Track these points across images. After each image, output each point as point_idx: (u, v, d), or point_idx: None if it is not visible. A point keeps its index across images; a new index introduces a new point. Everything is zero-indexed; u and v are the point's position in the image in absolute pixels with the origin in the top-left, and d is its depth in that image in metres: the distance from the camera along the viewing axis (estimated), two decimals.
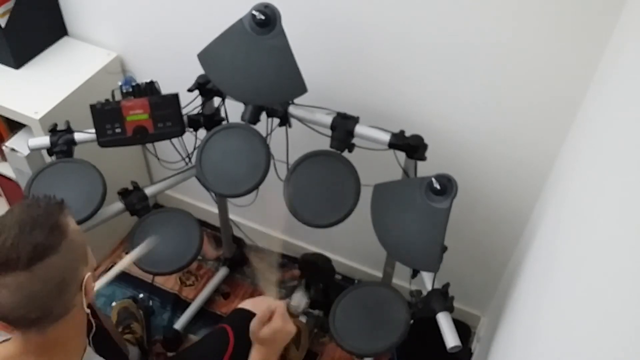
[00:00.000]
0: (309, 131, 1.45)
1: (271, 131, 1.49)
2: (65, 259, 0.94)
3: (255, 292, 2.07)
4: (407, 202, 1.32)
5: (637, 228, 0.66)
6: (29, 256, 0.89)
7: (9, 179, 1.93)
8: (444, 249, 1.32)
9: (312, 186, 1.44)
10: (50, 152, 1.51)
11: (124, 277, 2.08)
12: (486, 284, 1.81)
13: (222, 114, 1.57)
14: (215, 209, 1.95)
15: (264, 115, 1.47)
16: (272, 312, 1.17)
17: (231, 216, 1.96)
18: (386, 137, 1.38)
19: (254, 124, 1.45)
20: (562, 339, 0.83)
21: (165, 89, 1.49)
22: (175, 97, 1.47)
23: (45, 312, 0.94)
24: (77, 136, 1.51)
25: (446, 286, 1.39)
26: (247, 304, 1.57)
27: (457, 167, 1.41)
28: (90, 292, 1.00)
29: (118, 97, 1.46)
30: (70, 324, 0.99)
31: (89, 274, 0.99)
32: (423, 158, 1.38)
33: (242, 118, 1.45)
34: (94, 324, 1.08)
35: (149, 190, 1.58)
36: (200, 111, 1.57)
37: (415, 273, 1.45)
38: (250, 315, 1.53)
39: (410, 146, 1.37)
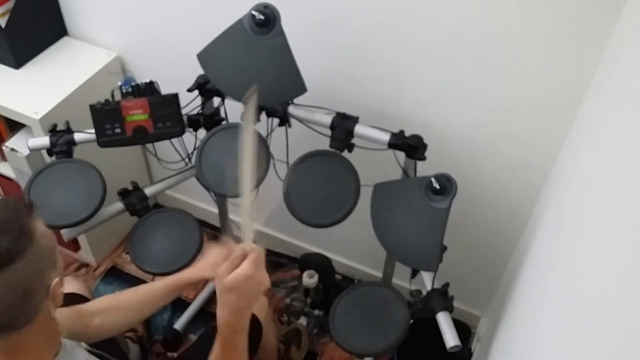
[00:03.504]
0: (309, 131, 1.45)
1: (271, 131, 1.50)
2: (32, 265, 0.90)
3: None
4: (406, 201, 1.32)
5: (638, 228, 0.66)
6: None
7: (9, 179, 1.93)
8: (444, 248, 1.32)
9: (312, 186, 1.44)
10: (50, 152, 1.51)
11: (124, 277, 2.08)
12: (486, 284, 1.81)
13: (222, 114, 1.57)
14: (215, 209, 1.95)
15: (263, 115, 1.47)
16: (244, 256, 0.97)
17: (231, 216, 1.96)
18: (386, 137, 1.38)
19: (254, 124, 1.45)
20: (562, 339, 0.83)
21: (165, 89, 1.49)
22: (175, 97, 1.47)
23: (10, 319, 0.90)
24: (77, 136, 1.51)
25: (446, 286, 1.38)
26: None
27: (456, 166, 1.41)
28: (58, 298, 0.96)
29: (118, 97, 1.47)
30: (38, 329, 0.95)
31: (56, 279, 0.95)
32: (423, 158, 1.38)
33: (242, 118, 1.45)
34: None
35: (149, 190, 1.58)
36: (200, 111, 1.57)
37: (415, 273, 1.45)
38: None
39: (410, 146, 1.37)
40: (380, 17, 1.39)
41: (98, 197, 1.45)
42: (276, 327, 1.75)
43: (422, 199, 1.29)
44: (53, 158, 1.51)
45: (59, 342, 1.03)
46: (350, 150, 1.43)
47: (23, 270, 0.89)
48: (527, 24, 1.24)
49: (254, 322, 1.51)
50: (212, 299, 2.03)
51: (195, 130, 1.57)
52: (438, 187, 1.26)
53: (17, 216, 0.91)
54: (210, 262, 1.26)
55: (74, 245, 2.08)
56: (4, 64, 1.79)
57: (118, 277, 2.09)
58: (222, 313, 0.99)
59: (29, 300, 0.91)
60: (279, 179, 1.49)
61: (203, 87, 1.52)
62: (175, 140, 1.57)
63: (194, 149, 1.56)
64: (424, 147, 1.38)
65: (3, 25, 1.67)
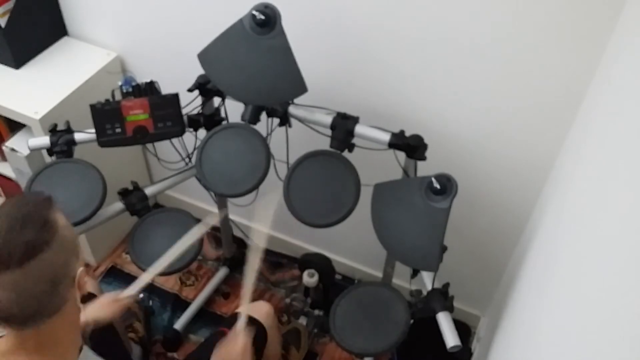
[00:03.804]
0: (309, 131, 1.45)
1: (271, 131, 1.50)
2: (57, 255, 0.93)
3: (255, 293, 2.07)
4: (407, 201, 1.32)
5: (638, 227, 0.66)
6: (21, 254, 0.89)
7: (9, 179, 1.93)
8: (444, 248, 1.32)
9: (312, 186, 1.44)
10: (50, 152, 1.51)
11: (124, 277, 2.08)
12: (486, 284, 1.81)
13: (222, 114, 1.57)
14: (215, 209, 1.95)
15: (264, 115, 1.47)
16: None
17: (231, 216, 1.96)
18: (386, 137, 1.38)
19: (254, 124, 1.45)
20: (562, 339, 0.83)
21: (165, 89, 1.49)
22: (175, 97, 1.47)
23: (39, 308, 0.94)
24: (77, 136, 1.51)
25: (446, 286, 1.39)
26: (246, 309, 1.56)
27: (457, 166, 1.41)
28: (83, 286, 1.00)
29: (118, 97, 1.47)
30: (64, 320, 0.98)
31: (81, 268, 0.99)
32: (423, 158, 1.38)
33: (242, 118, 1.45)
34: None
35: (149, 190, 1.58)
36: (200, 111, 1.57)
37: (415, 273, 1.45)
38: (250, 318, 1.53)
39: (410, 146, 1.37)
40: (381, 18, 1.39)
41: (98, 197, 1.45)
42: (280, 337, 1.76)
43: (422, 198, 1.29)
44: (53, 158, 1.51)
45: (81, 336, 1.06)
46: (350, 150, 1.44)
47: (49, 261, 0.92)
48: (527, 24, 1.25)
49: (259, 329, 1.52)
50: (211, 299, 2.03)
51: (196, 130, 1.57)
52: (438, 187, 1.26)
53: (39, 209, 0.94)
54: (99, 305, 1.34)
55: None
56: (4, 64, 1.79)
57: (118, 277, 2.09)
58: None
59: (56, 289, 0.94)
60: (279, 179, 1.49)
61: (203, 87, 1.52)
62: (175, 140, 1.57)
63: (194, 149, 1.56)
64: (424, 147, 1.38)
65: (3, 25, 1.67)
